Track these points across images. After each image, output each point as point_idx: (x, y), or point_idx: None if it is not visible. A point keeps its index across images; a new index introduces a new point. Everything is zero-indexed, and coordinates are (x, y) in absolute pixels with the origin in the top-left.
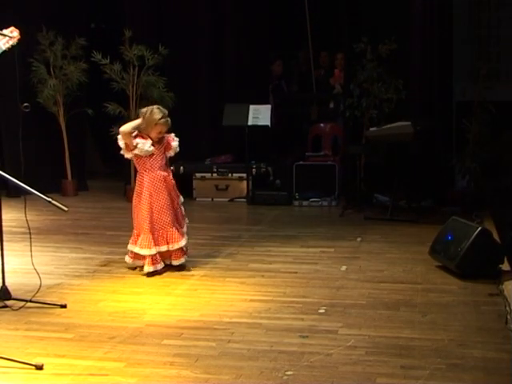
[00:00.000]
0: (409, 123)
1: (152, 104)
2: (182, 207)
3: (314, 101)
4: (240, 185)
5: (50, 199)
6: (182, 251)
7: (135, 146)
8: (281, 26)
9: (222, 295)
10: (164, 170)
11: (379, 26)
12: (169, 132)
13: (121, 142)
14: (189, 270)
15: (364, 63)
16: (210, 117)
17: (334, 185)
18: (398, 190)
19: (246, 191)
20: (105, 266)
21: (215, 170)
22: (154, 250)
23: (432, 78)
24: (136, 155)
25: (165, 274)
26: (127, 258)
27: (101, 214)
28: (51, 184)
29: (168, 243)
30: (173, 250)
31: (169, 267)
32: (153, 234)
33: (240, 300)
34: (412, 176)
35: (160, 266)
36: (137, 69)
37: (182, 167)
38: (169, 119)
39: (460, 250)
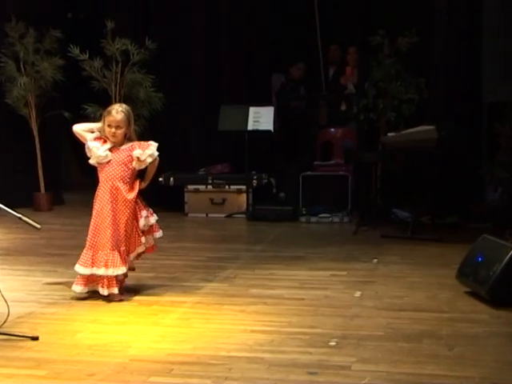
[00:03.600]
0: (432, 127)
1: (138, 105)
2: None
3: (323, 102)
4: (239, 198)
5: (20, 215)
6: (114, 281)
7: (89, 150)
8: (285, 16)
9: (219, 325)
10: (124, 183)
11: (398, 16)
12: (145, 139)
13: (86, 146)
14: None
15: (380, 59)
16: (205, 120)
17: (346, 198)
18: (420, 205)
19: (245, 206)
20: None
21: (210, 181)
22: (88, 270)
23: (459, 76)
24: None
25: (152, 302)
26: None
27: (79, 232)
28: (22, 197)
29: (106, 267)
30: (104, 276)
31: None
32: (94, 253)
33: (239, 331)
34: (436, 188)
35: (88, 288)
36: (120, 65)
37: (171, 178)
38: (122, 112)
39: (492, 273)
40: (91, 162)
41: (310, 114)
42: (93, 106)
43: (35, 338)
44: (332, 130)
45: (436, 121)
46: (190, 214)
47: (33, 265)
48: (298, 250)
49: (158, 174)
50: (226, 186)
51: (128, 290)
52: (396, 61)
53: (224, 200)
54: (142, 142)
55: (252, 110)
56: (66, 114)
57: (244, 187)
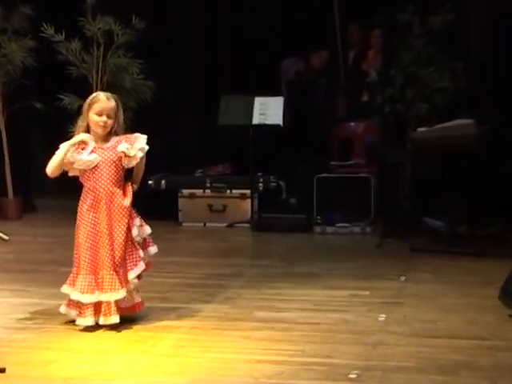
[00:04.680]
0: (471, 121)
1: (123, 95)
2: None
3: (342, 92)
4: (242, 205)
5: None
6: (116, 306)
7: (70, 164)
8: None
9: (219, 354)
10: (117, 187)
11: None
12: (130, 132)
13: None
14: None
15: (409, 40)
16: (202, 113)
17: (368, 205)
18: (456, 212)
19: (249, 213)
20: (59, 314)
21: (208, 184)
22: (97, 297)
23: (502, 60)
24: (80, 169)
25: (140, 327)
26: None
27: (54, 244)
28: None
29: (101, 290)
30: (105, 302)
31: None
32: (95, 275)
33: (243, 361)
34: (475, 193)
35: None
36: (102, 48)
37: (163, 181)
38: (113, 99)
39: None
40: (72, 174)
41: (327, 106)
42: (70, 95)
43: (2, 370)
44: (352, 124)
45: (475, 113)
46: (184, 224)
47: None
48: (312, 266)
49: (147, 175)
50: (227, 191)
51: None
52: (428, 42)
53: (225, 207)
54: (128, 135)
55: (258, 100)
56: (38, 105)
57: (248, 191)
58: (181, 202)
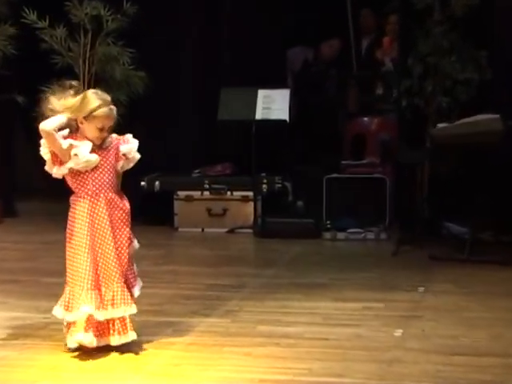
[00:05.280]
0: (496, 116)
1: (114, 87)
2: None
3: (353, 82)
4: (244, 208)
5: None
6: (131, 322)
7: (68, 151)
8: None
9: (218, 373)
10: (115, 192)
11: None
12: (119, 133)
13: (45, 151)
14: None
15: (429, 27)
16: (199, 108)
17: (383, 208)
18: (480, 217)
19: (252, 218)
20: (42, 329)
21: (207, 185)
22: (110, 313)
23: None
24: (71, 170)
25: (132, 342)
26: (70, 342)
27: (37, 252)
28: None
29: (114, 306)
30: (118, 319)
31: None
32: (99, 291)
33: (245, 380)
34: (500, 195)
35: (100, 340)
36: (90, 35)
37: (157, 182)
38: (114, 108)
39: None
40: (59, 172)
41: (338, 99)
42: (54, 87)
43: None
44: (365, 119)
45: (502, 108)
46: (180, 229)
47: None
48: (321, 276)
49: (139, 175)
50: (228, 193)
51: None
52: (449, 29)
53: (225, 210)
54: (118, 137)
55: (261, 93)
56: (20, 99)
57: (251, 194)
58: (177, 205)
